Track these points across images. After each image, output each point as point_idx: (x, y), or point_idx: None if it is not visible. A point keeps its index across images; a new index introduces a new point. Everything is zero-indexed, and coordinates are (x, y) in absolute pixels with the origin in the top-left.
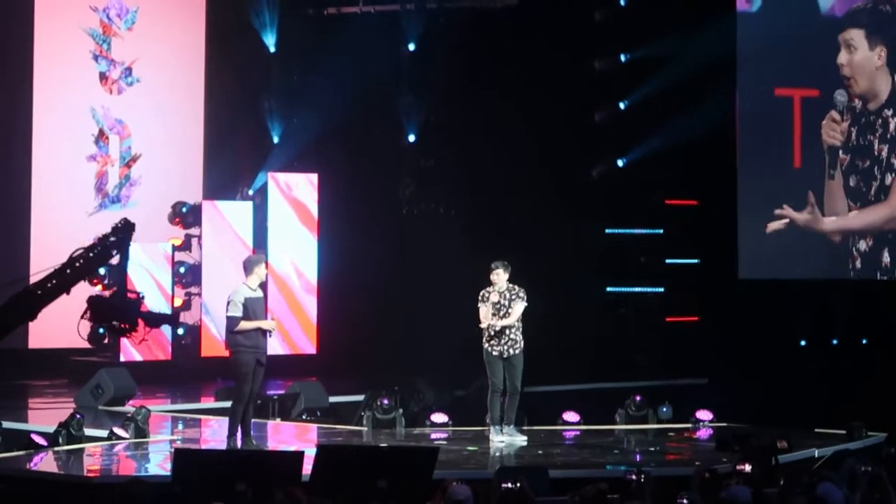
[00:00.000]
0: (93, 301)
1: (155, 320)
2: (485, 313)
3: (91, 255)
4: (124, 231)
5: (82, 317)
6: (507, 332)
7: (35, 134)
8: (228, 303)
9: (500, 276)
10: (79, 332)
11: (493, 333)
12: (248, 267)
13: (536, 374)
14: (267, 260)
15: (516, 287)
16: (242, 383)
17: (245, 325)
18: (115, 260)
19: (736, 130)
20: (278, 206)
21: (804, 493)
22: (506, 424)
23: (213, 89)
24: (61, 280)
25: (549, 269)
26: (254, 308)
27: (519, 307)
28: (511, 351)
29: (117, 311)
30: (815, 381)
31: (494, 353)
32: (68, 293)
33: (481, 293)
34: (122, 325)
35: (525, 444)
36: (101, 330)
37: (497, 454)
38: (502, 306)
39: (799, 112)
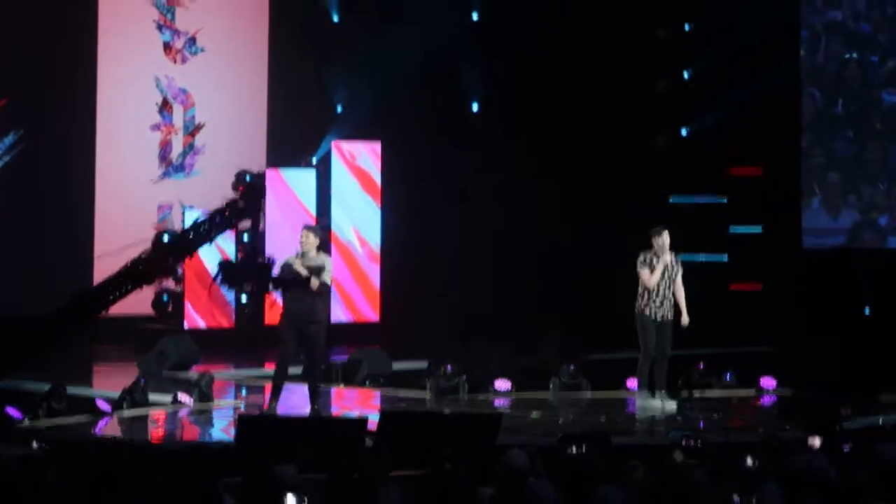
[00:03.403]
0: (223, 266)
1: (285, 283)
2: (649, 276)
3: (219, 218)
4: (252, 195)
5: (213, 281)
6: (668, 295)
7: (99, 103)
8: None
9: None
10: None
11: (657, 298)
12: None
13: (600, 341)
14: (330, 227)
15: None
16: (280, 345)
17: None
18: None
19: (800, 99)
20: (341, 175)
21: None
22: (658, 390)
23: (276, 58)
24: (190, 243)
25: (612, 239)
26: (287, 271)
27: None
28: (670, 315)
29: (248, 276)
30: (879, 349)
31: (655, 317)
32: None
33: (645, 257)
34: (255, 289)
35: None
36: (165, 298)
37: (560, 421)
38: (671, 270)
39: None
